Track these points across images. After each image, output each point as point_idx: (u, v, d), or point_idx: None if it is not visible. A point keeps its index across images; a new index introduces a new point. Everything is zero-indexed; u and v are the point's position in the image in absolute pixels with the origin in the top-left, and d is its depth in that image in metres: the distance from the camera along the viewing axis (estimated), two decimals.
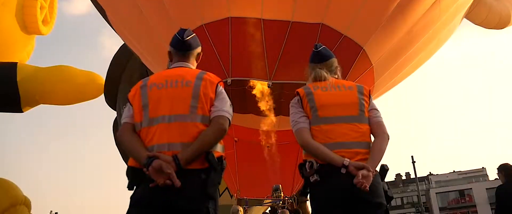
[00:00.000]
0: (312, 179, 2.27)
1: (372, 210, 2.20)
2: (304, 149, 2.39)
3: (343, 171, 2.22)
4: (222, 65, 8.33)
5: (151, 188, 1.91)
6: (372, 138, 2.44)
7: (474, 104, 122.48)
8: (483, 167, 55.96)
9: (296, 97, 2.56)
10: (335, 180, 2.22)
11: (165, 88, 2.17)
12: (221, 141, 2.19)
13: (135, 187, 2.06)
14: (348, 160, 2.24)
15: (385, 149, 2.35)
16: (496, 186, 6.09)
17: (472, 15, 11.75)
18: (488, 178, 51.89)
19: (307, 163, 2.32)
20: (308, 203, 12.58)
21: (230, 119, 2.21)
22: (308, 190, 2.33)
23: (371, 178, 2.18)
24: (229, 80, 8.26)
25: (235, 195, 9.69)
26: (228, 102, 2.26)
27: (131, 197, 2.04)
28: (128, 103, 2.26)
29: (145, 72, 12.41)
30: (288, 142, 10.28)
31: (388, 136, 2.41)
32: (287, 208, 9.02)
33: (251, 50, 8.09)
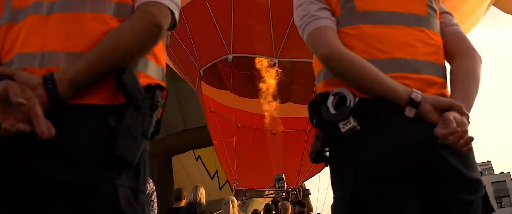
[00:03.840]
0: (345, 128, 1.13)
1: (466, 192, 1.12)
2: (329, 65, 1.22)
3: (410, 113, 1.12)
4: (223, 40, 7.54)
5: None
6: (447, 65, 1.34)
7: (479, 97, 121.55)
8: (488, 160, 55.73)
9: None
10: (394, 130, 1.13)
11: None
12: (161, 55, 1.15)
13: None
14: (419, 92, 1.14)
15: (480, 77, 1.28)
16: (501, 180, 5.30)
17: (502, 3, 11.10)
18: (493, 172, 51.49)
19: (332, 97, 1.18)
20: (311, 197, 11.79)
21: (176, 12, 1.16)
22: (327, 151, 1.22)
23: (468, 130, 1.11)
24: (230, 56, 7.47)
25: (233, 185, 8.96)
26: None
27: None
28: None
29: None
30: (295, 129, 9.66)
31: (480, 57, 1.33)
32: (291, 200, 8.27)
33: (255, 24, 7.27)
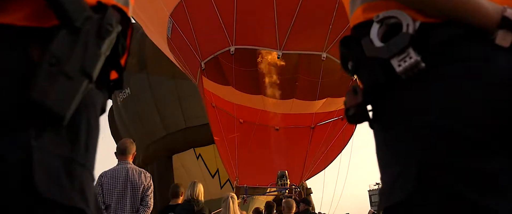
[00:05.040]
0: (402, 65, 0.70)
1: None
2: None
3: (505, 40, 0.70)
4: (225, 31, 7.25)
5: None
6: None
7: None
8: None
9: None
10: (479, 68, 0.70)
11: None
12: None
13: None
14: None
15: None
16: None
17: None
18: None
19: (377, 25, 0.76)
20: (312, 196, 11.53)
21: None
22: (368, 109, 0.80)
23: None
24: (232, 48, 7.18)
25: (234, 182, 8.67)
26: None
27: None
28: None
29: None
30: (299, 125, 9.35)
31: None
32: (294, 198, 7.96)
33: (259, 14, 6.99)
